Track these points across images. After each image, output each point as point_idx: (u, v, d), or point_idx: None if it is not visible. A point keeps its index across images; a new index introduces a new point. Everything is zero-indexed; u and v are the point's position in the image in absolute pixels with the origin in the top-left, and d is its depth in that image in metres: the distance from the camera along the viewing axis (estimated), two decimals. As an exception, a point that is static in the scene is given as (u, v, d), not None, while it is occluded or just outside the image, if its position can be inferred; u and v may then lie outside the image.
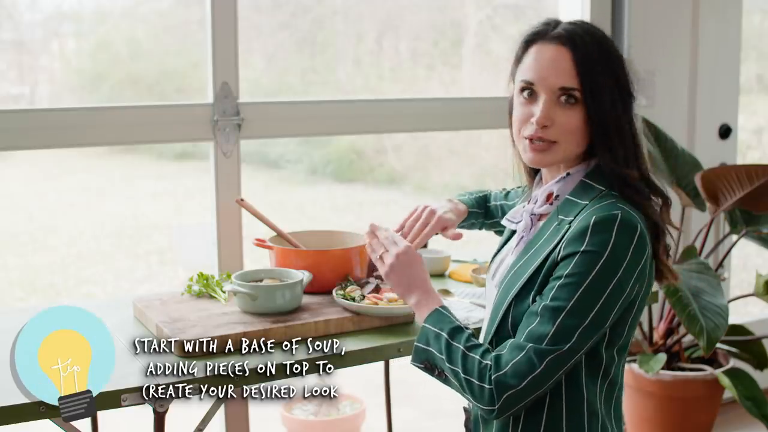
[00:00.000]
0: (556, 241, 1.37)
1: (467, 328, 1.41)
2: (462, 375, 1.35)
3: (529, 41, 1.42)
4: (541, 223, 1.46)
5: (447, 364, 1.37)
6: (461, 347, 1.36)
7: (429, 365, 1.41)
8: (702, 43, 3.31)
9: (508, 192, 1.90)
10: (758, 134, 4.60)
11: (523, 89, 1.41)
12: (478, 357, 1.34)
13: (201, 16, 2.52)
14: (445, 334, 1.39)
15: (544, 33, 1.40)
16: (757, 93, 4.34)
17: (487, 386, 1.32)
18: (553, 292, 1.33)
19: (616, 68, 1.39)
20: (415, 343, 1.42)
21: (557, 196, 1.43)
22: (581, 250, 1.31)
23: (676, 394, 2.94)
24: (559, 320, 1.31)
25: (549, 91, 1.38)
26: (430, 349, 1.40)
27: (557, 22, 1.42)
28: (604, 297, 1.31)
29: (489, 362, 1.33)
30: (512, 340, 1.35)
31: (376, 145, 6.77)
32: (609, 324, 1.34)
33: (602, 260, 1.31)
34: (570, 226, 1.36)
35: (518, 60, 1.44)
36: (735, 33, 3.40)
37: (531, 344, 1.31)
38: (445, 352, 1.37)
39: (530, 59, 1.41)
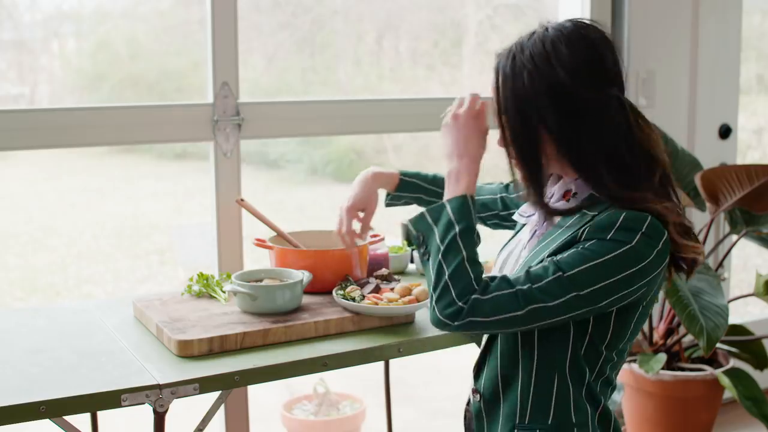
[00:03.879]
0: (577, 228, 1.36)
1: (479, 238, 1.38)
2: (446, 278, 1.33)
3: None
4: (556, 219, 1.45)
5: (440, 256, 1.34)
6: (463, 254, 1.34)
7: (422, 240, 1.38)
8: (702, 43, 3.31)
9: (508, 184, 1.88)
10: (758, 134, 4.60)
11: None
12: (472, 276, 1.32)
13: (201, 16, 2.52)
14: (457, 228, 1.35)
15: None
16: (757, 93, 4.34)
17: (460, 303, 1.31)
18: (566, 254, 1.32)
19: (521, 87, 1.36)
20: (425, 210, 1.39)
21: (575, 194, 1.43)
22: (607, 237, 1.31)
23: (676, 394, 2.94)
24: (558, 276, 1.30)
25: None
26: (435, 229, 1.37)
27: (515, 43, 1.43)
28: (609, 282, 1.31)
29: (477, 287, 1.32)
30: (507, 274, 1.34)
31: (376, 145, 6.77)
32: (601, 308, 1.33)
33: (623, 250, 1.30)
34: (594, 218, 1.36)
35: None
36: (735, 33, 3.40)
37: (523, 285, 1.31)
38: (447, 245, 1.35)
39: None
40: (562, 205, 1.44)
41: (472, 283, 1.32)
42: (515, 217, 1.55)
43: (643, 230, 1.32)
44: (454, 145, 1.44)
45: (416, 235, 1.40)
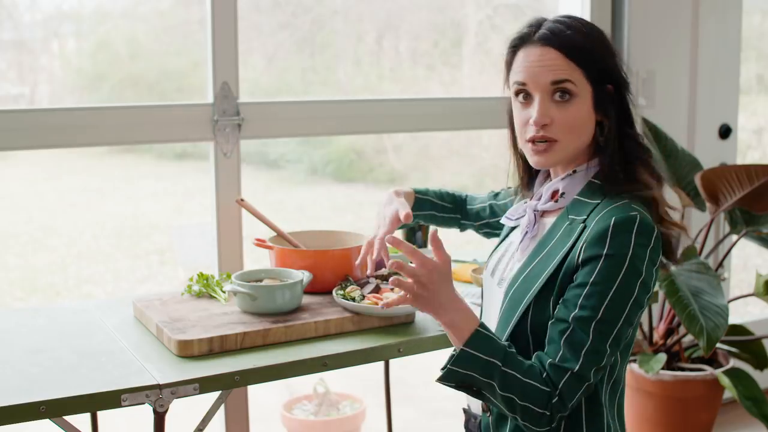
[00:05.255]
0: (571, 242, 1.36)
1: (510, 347, 1.35)
2: (520, 402, 1.31)
3: (516, 46, 1.44)
4: (546, 220, 1.46)
5: (499, 391, 1.32)
6: (518, 375, 1.32)
7: (465, 385, 1.35)
8: (702, 43, 3.31)
9: (497, 193, 1.90)
10: (758, 134, 4.60)
11: (517, 92, 1.42)
12: (537, 384, 1.31)
13: (201, 16, 2.52)
14: (499, 363, 1.32)
15: (529, 36, 1.42)
16: (757, 93, 4.34)
17: (547, 413, 1.31)
18: (581, 300, 1.32)
19: (606, 55, 1.42)
20: (451, 366, 1.33)
21: (563, 194, 1.43)
22: (603, 253, 1.31)
23: (676, 394, 2.94)
24: (592, 331, 1.30)
25: (542, 89, 1.38)
26: (472, 374, 1.33)
27: (540, 23, 1.42)
28: (632, 300, 1.32)
29: (548, 389, 1.31)
30: (550, 359, 1.33)
31: (376, 145, 6.78)
32: (637, 323, 1.36)
33: (626, 264, 1.31)
34: (585, 225, 1.36)
35: (508, 65, 1.45)
36: (735, 33, 3.40)
37: (572, 362, 1.31)
38: (500, 379, 1.31)
39: (518, 62, 1.42)
40: (550, 206, 1.45)
41: (543, 389, 1.31)
42: (502, 220, 1.55)
43: (635, 231, 1.32)
44: (437, 308, 1.35)
45: (455, 385, 1.36)
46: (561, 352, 1.32)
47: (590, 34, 1.40)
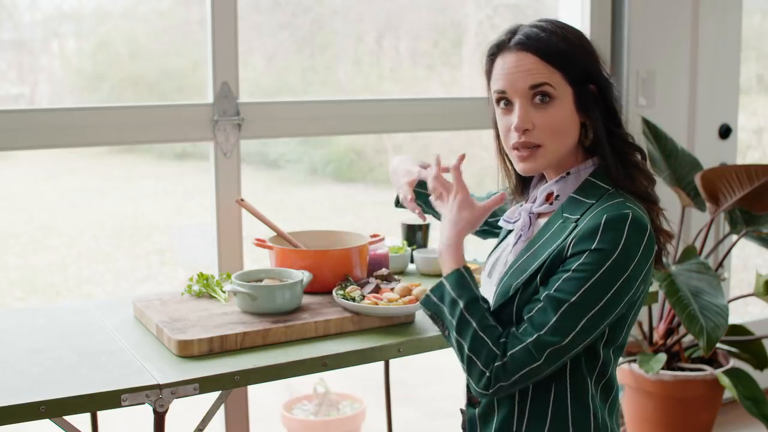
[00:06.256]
0: (563, 237, 1.36)
1: (485, 302, 1.39)
2: (467, 352, 1.34)
3: (493, 54, 1.45)
4: (541, 221, 1.46)
5: (455, 333, 1.37)
6: (474, 324, 1.35)
7: (436, 318, 1.42)
8: (702, 43, 3.31)
9: (495, 194, 1.89)
10: (758, 134, 4.60)
11: (498, 100, 1.43)
12: (489, 342, 1.34)
13: (201, 16, 2.52)
14: (461, 304, 1.37)
15: (505, 43, 1.42)
16: (757, 93, 4.34)
17: (488, 373, 1.33)
18: (558, 283, 1.32)
19: (585, 55, 1.41)
20: (429, 292, 1.42)
21: (557, 196, 1.44)
22: (592, 248, 1.31)
23: (676, 394, 2.94)
24: (561, 311, 1.31)
25: (521, 94, 1.39)
26: (443, 306, 1.40)
27: (516, 29, 1.43)
28: (611, 293, 1.31)
29: (498, 352, 1.33)
30: (514, 329, 1.35)
31: (376, 145, 6.78)
32: (610, 321, 1.35)
33: (613, 258, 1.31)
34: (577, 225, 1.36)
35: (488, 74, 1.46)
36: (735, 33, 3.40)
37: (531, 336, 1.32)
38: (457, 321, 1.36)
39: (497, 70, 1.43)
40: (545, 208, 1.45)
41: (493, 349, 1.33)
42: (501, 223, 1.56)
43: (627, 229, 1.32)
44: (444, 223, 1.48)
45: (430, 315, 1.42)
46: (525, 326, 1.34)
47: (566, 35, 1.39)
